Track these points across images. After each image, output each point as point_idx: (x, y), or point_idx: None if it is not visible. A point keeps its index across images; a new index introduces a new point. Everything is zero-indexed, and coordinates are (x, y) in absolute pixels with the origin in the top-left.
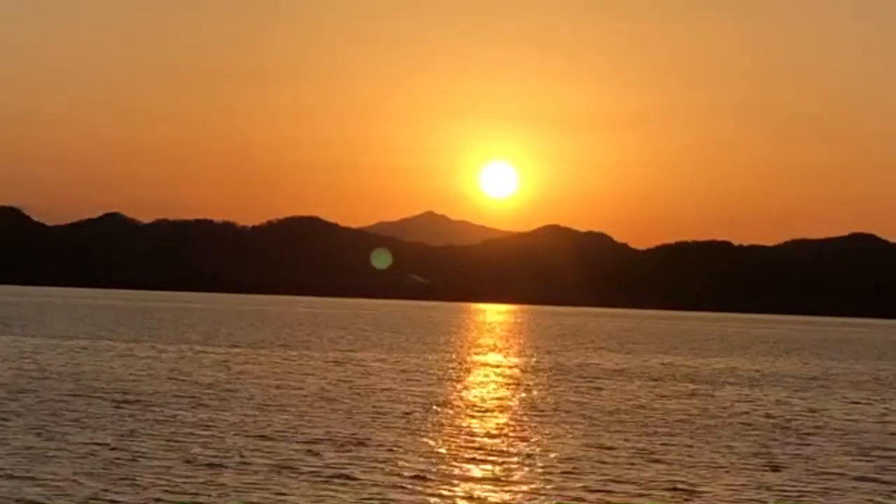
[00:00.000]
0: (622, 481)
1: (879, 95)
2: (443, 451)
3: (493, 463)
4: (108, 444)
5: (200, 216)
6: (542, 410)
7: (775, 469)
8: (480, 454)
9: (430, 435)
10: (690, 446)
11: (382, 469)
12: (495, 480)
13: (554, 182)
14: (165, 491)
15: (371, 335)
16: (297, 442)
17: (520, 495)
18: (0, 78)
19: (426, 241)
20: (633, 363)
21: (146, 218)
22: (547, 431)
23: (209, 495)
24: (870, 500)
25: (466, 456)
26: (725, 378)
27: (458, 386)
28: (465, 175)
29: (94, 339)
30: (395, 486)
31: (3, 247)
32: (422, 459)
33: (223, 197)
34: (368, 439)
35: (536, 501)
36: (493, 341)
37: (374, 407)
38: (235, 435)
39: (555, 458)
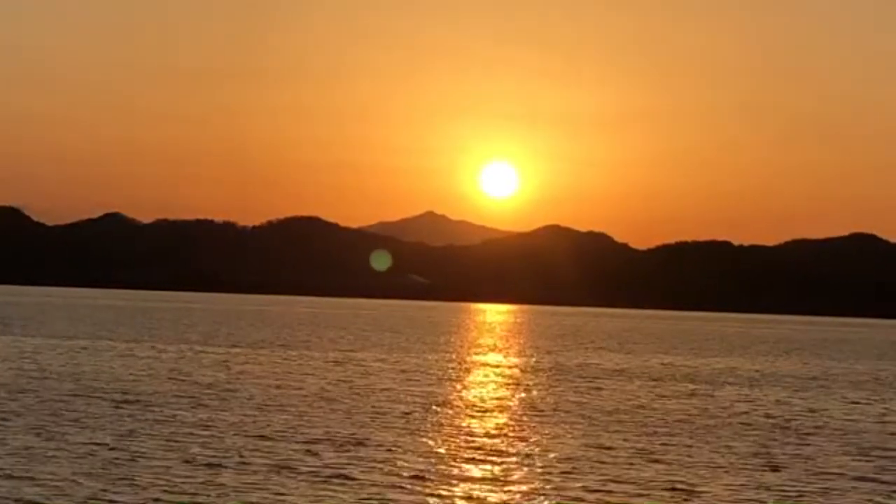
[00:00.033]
0: (621, 481)
1: (880, 96)
2: (442, 451)
3: (493, 463)
4: (108, 444)
5: (201, 216)
6: (542, 410)
7: (775, 469)
8: (480, 454)
9: (430, 435)
10: (690, 446)
11: (382, 469)
12: (495, 480)
13: (554, 182)
14: (164, 491)
15: (371, 335)
16: (297, 442)
17: (519, 495)
18: (0, 78)
19: (426, 241)
20: (633, 363)
21: (146, 218)
22: (546, 431)
23: (208, 495)
24: (869, 500)
25: (466, 456)
26: (725, 378)
27: (458, 386)
28: (466, 175)
29: (94, 339)
30: (394, 487)
31: (3, 247)
32: (421, 459)
33: (223, 197)
34: (368, 439)
35: (536, 501)
36: (493, 341)
37: (373, 407)
38: (235, 435)
39: (554, 458)
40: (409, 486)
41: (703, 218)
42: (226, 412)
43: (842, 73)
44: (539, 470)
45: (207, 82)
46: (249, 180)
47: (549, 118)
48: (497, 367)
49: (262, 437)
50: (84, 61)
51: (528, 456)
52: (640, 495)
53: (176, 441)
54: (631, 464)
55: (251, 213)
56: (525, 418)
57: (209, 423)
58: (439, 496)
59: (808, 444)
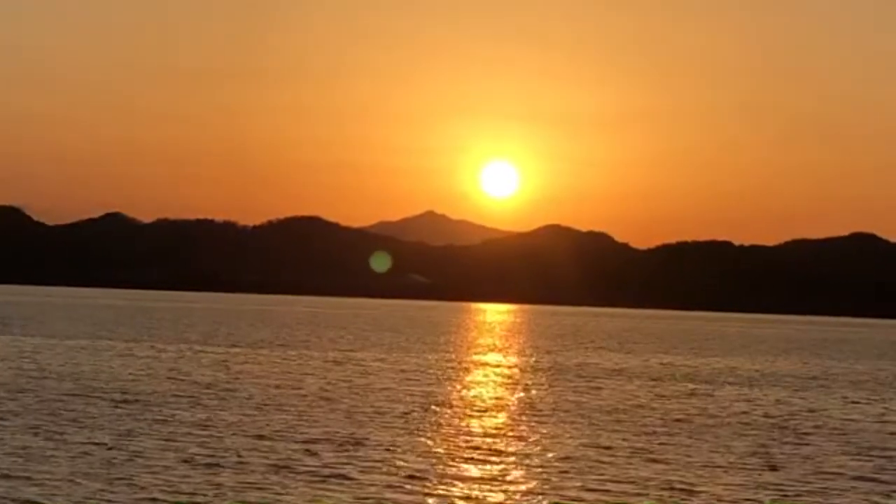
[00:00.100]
0: (621, 481)
1: (880, 96)
2: (441, 450)
3: (492, 462)
4: (106, 444)
5: (201, 216)
6: (542, 410)
7: (774, 469)
8: (479, 454)
9: (429, 435)
10: (689, 446)
11: (380, 469)
12: (494, 480)
13: (554, 182)
14: (163, 490)
15: (371, 335)
16: (296, 442)
17: (518, 495)
18: (0, 78)
19: (426, 240)
20: (633, 363)
21: (147, 218)
22: (546, 431)
23: (206, 495)
24: (868, 500)
25: (465, 455)
26: (725, 378)
27: (458, 386)
28: (466, 175)
29: (94, 338)
30: (393, 486)
31: (3, 247)
32: (420, 459)
33: (223, 197)
34: (367, 439)
35: (535, 501)
36: (493, 341)
37: (372, 407)
38: (234, 435)
39: (553, 457)
40: (408, 486)
41: (703, 218)
42: (225, 412)
43: (842, 73)
44: (538, 469)
45: (207, 82)
46: (249, 180)
47: (549, 118)
48: (497, 366)
49: (261, 437)
50: (84, 61)
51: (527, 455)
52: (639, 495)
53: (175, 441)
54: (630, 463)
55: (251, 212)
56: (524, 418)
57: (208, 423)
58: (438, 496)
59: (808, 444)
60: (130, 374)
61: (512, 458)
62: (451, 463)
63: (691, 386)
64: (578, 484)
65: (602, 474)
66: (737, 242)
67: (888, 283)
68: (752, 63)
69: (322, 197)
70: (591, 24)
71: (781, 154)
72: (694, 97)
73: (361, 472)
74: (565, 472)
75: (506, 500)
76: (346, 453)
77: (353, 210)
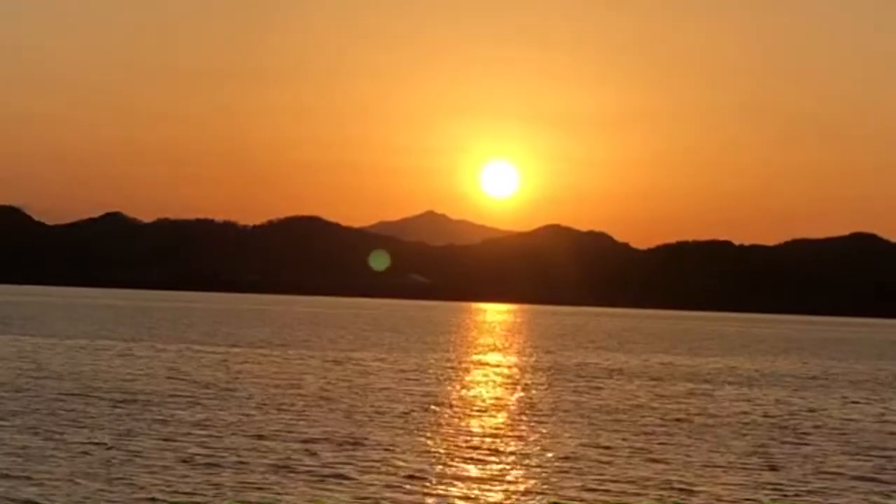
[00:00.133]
0: (620, 480)
1: (880, 96)
2: (441, 450)
3: (491, 462)
4: (106, 444)
5: (201, 216)
6: (541, 410)
7: (773, 468)
8: (478, 453)
9: (429, 434)
10: (689, 446)
11: (380, 469)
12: (493, 480)
13: (554, 182)
14: (162, 490)
15: (371, 335)
16: (295, 441)
17: (517, 494)
18: (0, 78)
19: (426, 240)
20: (633, 363)
21: (147, 217)
22: (545, 431)
23: (206, 495)
24: (868, 500)
25: (464, 455)
26: (725, 378)
27: (458, 386)
28: (466, 175)
29: (94, 338)
30: (392, 486)
31: (3, 247)
32: (420, 459)
33: (223, 197)
34: (367, 439)
35: (534, 501)
36: (493, 341)
37: (372, 406)
38: (233, 434)
39: (553, 457)
40: (407, 486)
41: (703, 218)
42: (224, 412)
43: (842, 73)
44: (538, 469)
45: (207, 82)
46: (249, 180)
47: (549, 118)
48: (497, 366)
49: (261, 437)
50: (84, 61)
51: (526, 455)
52: (638, 495)
53: (174, 440)
54: (630, 463)
55: (251, 212)
56: (524, 418)
57: (207, 423)
58: (438, 496)
59: (807, 444)
60: (130, 373)
61: (512, 458)
62: (451, 463)
63: (691, 386)
64: (578, 484)
65: (602, 474)
66: (737, 242)
67: (888, 283)
68: (752, 63)
69: (322, 197)
70: (591, 24)
71: (781, 154)
72: (694, 97)
73: (361, 471)
74: (565, 472)
75: (506, 500)
76: (345, 453)
77: (353, 210)
